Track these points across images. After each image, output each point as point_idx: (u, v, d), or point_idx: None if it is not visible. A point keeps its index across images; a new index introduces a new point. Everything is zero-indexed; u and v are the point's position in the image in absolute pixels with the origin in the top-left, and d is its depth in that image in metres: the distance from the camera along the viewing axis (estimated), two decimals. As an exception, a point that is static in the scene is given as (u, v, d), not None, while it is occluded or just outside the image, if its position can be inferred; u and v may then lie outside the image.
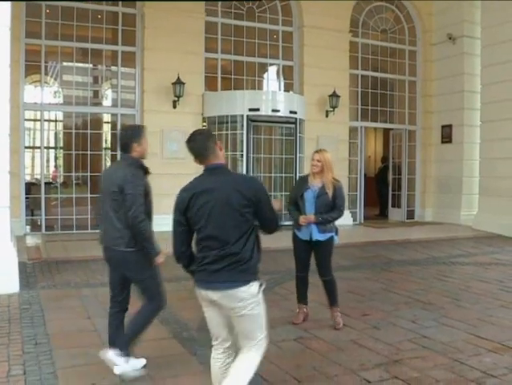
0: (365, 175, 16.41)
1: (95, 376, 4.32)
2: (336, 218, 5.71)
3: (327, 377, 4.39)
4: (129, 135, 4.60)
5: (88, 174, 12.93)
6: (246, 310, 3.32)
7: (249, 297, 3.32)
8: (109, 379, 4.26)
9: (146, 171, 4.65)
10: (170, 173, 12.69)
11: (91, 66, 13.52)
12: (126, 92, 13.59)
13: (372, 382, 4.28)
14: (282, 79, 14.92)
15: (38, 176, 13.77)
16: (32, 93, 14.93)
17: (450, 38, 15.17)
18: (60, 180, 14.83)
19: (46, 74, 13.52)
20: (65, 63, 13.30)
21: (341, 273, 8.42)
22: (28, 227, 12.40)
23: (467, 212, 14.91)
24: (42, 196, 12.34)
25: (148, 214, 4.46)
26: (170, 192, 14.24)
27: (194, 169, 10.74)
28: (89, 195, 12.87)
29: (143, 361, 4.45)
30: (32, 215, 12.94)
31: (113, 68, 13.60)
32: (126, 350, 4.24)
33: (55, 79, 14.30)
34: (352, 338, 5.34)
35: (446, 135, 15.57)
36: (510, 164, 13.03)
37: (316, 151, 5.85)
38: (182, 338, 5.33)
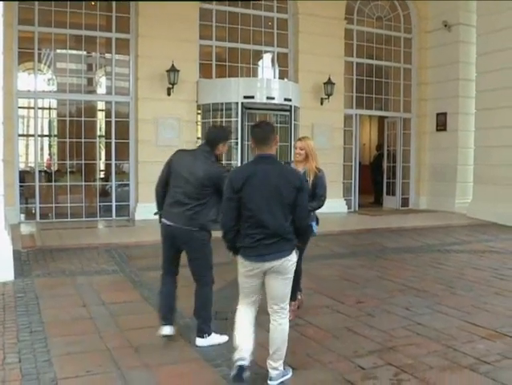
0: (360, 163, 16.42)
1: (90, 364, 4.32)
2: (316, 208, 5.44)
3: (321, 364, 4.41)
4: (218, 135, 5.00)
5: (83, 162, 12.88)
6: (288, 275, 3.99)
7: (292, 264, 3.98)
8: (104, 367, 4.27)
9: None
10: (164, 161, 12.65)
11: (84, 53, 13.41)
12: (120, 80, 13.51)
13: (366, 369, 4.30)
14: (276, 66, 14.86)
15: (32, 164, 13.71)
16: (26, 81, 14.81)
17: (446, 26, 15.13)
18: (54, 168, 14.78)
19: (40, 61, 13.41)
20: (58, 50, 13.20)
21: (336, 261, 8.47)
22: (22, 215, 12.37)
23: (461, 200, 14.95)
24: (37, 184, 12.30)
25: None
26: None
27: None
28: (83, 183, 12.85)
29: (225, 337, 4.89)
30: (26, 203, 12.90)
31: (107, 55, 13.51)
32: (209, 329, 4.90)
33: (49, 67, 14.19)
34: (347, 326, 5.35)
35: (441, 123, 15.58)
36: (505, 152, 13.06)
37: (299, 139, 5.68)
38: (177, 325, 5.33)
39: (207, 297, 4.96)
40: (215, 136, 4.96)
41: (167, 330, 4.86)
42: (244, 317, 4.13)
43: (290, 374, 4.13)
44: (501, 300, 6.43)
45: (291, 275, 4.01)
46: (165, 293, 5.03)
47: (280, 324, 4.03)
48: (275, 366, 4.02)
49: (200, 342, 4.86)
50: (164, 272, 5.10)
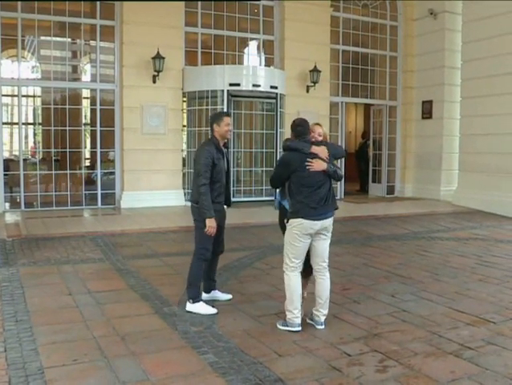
0: (346, 150, 16.43)
1: (76, 352, 4.32)
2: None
3: (307, 351, 4.43)
4: (210, 118, 5.68)
5: (67, 150, 12.78)
6: (330, 233, 5.02)
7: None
8: (90, 355, 4.27)
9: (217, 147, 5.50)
10: (149, 149, 12.66)
11: (69, 40, 13.26)
12: (105, 67, 13.40)
13: (352, 356, 4.33)
14: (262, 53, 14.82)
15: (17, 153, 13.59)
16: (9, 68, 14.66)
17: (431, 14, 15.15)
18: (39, 156, 14.66)
19: (24, 48, 13.27)
20: (42, 37, 13.07)
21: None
22: (7, 204, 12.29)
23: (447, 187, 15.05)
24: (21, 172, 12.16)
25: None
26: (147, 169, 14.15)
27: (172, 145, 11.05)
28: (68, 171, 12.76)
29: (213, 310, 5.42)
30: (11, 192, 12.81)
31: (92, 43, 13.39)
32: (193, 295, 5.48)
33: (33, 54, 14.05)
34: (332, 312, 5.38)
35: (426, 111, 15.63)
36: (490, 140, 13.15)
37: (318, 124, 5.60)
38: (163, 313, 5.34)
39: (194, 268, 5.53)
40: (210, 120, 5.63)
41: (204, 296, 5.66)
42: (296, 280, 4.94)
43: None
44: (485, 286, 6.50)
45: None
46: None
47: (328, 278, 5.05)
48: (325, 313, 5.03)
49: (187, 306, 5.43)
50: None
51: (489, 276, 7.00)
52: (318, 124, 5.66)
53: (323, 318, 4.99)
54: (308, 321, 5.06)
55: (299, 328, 4.84)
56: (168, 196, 12.84)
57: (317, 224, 4.83)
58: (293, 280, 4.92)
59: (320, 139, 5.54)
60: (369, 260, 7.92)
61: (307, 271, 5.19)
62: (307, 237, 4.87)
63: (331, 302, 5.72)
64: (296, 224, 4.85)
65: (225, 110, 12.55)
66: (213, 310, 5.39)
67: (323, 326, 4.96)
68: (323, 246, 4.97)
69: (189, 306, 5.42)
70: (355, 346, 4.55)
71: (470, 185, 13.67)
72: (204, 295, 5.71)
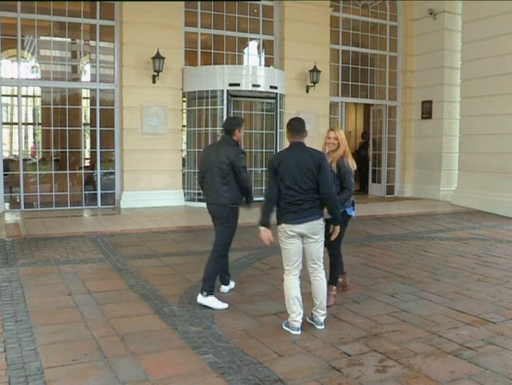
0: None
1: (76, 353, 4.32)
2: (347, 199, 5.98)
3: (307, 351, 4.43)
4: (233, 123, 6.02)
5: (67, 150, 12.79)
6: (319, 237, 4.98)
7: (321, 227, 5.00)
8: (90, 355, 4.27)
9: None
10: (149, 149, 12.66)
11: (69, 40, 13.27)
12: (105, 67, 13.41)
13: (352, 356, 4.33)
14: (262, 53, 14.83)
15: (17, 153, 13.60)
16: (9, 68, 14.68)
17: (431, 14, 15.16)
18: (39, 156, 14.67)
19: (23, 48, 13.29)
20: (42, 37, 13.08)
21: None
22: (7, 204, 12.29)
23: (446, 187, 15.05)
24: (21, 172, 12.16)
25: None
26: (147, 169, 14.14)
27: (172, 145, 11.06)
28: (68, 171, 12.76)
29: (224, 305, 5.61)
30: (11, 192, 12.82)
31: (92, 43, 13.40)
32: (208, 288, 5.64)
33: (32, 54, 14.07)
34: (332, 313, 5.38)
35: (426, 111, 15.63)
36: (489, 140, 13.16)
37: (332, 129, 5.78)
38: (163, 313, 5.34)
39: (213, 263, 5.76)
40: (228, 125, 5.93)
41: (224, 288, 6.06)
42: (293, 282, 4.98)
43: None
44: (484, 286, 6.50)
45: (322, 239, 5.03)
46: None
47: (322, 279, 5.05)
48: (323, 313, 5.07)
49: (199, 298, 5.59)
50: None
51: (488, 276, 7.00)
52: (331, 130, 5.82)
53: (322, 319, 5.04)
54: (308, 321, 5.06)
55: (298, 332, 4.84)
56: (167, 196, 12.85)
57: (299, 228, 4.90)
58: (287, 283, 4.99)
59: (335, 143, 5.63)
60: (369, 260, 7.93)
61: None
62: (295, 240, 4.94)
63: (330, 302, 5.74)
64: (279, 229, 5.02)
65: (224, 110, 12.61)
66: (225, 305, 5.54)
67: (323, 327, 4.99)
68: (313, 249, 4.98)
69: (201, 299, 5.56)
70: (354, 346, 4.56)
71: (470, 185, 13.67)
72: (224, 288, 6.11)
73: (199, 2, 13.50)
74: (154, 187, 12.75)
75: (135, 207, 12.32)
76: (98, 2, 12.61)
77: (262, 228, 5.00)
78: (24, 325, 4.94)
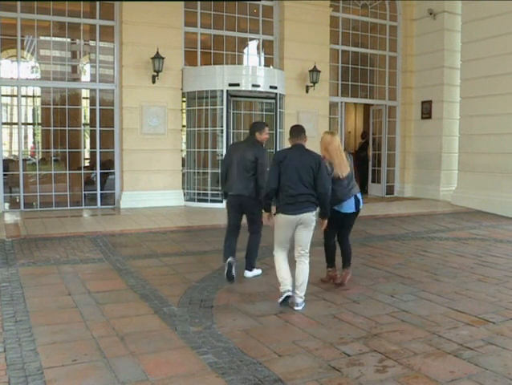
0: (345, 150, 16.42)
1: (76, 353, 4.31)
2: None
3: (307, 351, 4.43)
4: (254, 127, 7.02)
5: (67, 150, 12.78)
6: (310, 227, 5.66)
7: (313, 218, 5.66)
8: (90, 355, 4.27)
9: None
10: (149, 149, 12.66)
11: (68, 40, 13.28)
12: (105, 67, 13.40)
13: (352, 356, 4.33)
14: (262, 53, 14.82)
15: (16, 153, 13.60)
16: (9, 68, 14.68)
17: (431, 14, 15.16)
18: (39, 156, 14.66)
19: (23, 48, 13.29)
20: (42, 37, 13.07)
21: (321, 248, 8.49)
22: (7, 204, 12.29)
23: (446, 187, 15.06)
24: (21, 172, 12.15)
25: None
26: (147, 169, 14.12)
27: (172, 146, 11.09)
28: (68, 171, 12.77)
29: (260, 270, 7.01)
30: (10, 192, 12.81)
31: (91, 43, 13.39)
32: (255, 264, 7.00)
33: (32, 54, 14.06)
34: (332, 313, 5.39)
35: (426, 111, 15.64)
36: (489, 140, 13.16)
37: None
38: (163, 313, 5.34)
39: (257, 240, 6.91)
40: (252, 129, 6.97)
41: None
42: (284, 261, 5.78)
43: (304, 304, 5.64)
44: (485, 286, 6.50)
45: (312, 228, 5.71)
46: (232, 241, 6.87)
47: (306, 264, 5.71)
48: (301, 296, 5.62)
49: (248, 273, 6.84)
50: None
51: (488, 276, 7.00)
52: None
53: (298, 300, 5.58)
54: (290, 303, 5.61)
55: (282, 297, 5.59)
56: (167, 196, 12.85)
57: (295, 218, 5.62)
58: (276, 256, 5.83)
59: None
60: (368, 260, 7.93)
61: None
62: (289, 227, 5.71)
63: (329, 302, 5.78)
64: (277, 216, 5.78)
65: (224, 110, 12.63)
66: (260, 270, 7.03)
67: (300, 308, 5.54)
68: (303, 236, 5.67)
69: (249, 274, 6.84)
70: (354, 346, 4.56)
71: (469, 185, 13.67)
72: (249, 273, 6.96)
73: (199, 2, 13.50)
74: (154, 187, 12.75)
75: (134, 207, 12.32)
76: (98, 2, 12.60)
77: (266, 213, 5.98)
78: (24, 325, 4.94)
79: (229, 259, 6.50)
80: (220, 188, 7.63)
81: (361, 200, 6.60)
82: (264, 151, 6.78)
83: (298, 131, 5.92)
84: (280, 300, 5.57)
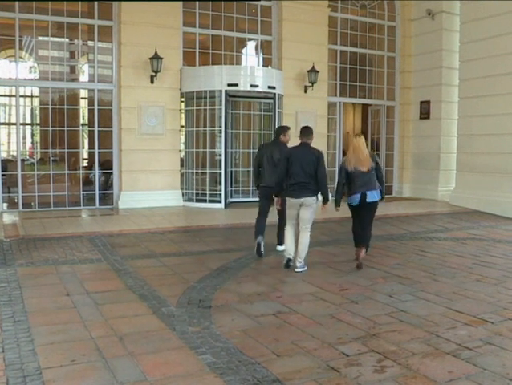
0: (343, 151, 16.44)
1: (74, 353, 4.31)
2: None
3: (305, 351, 4.43)
4: (277, 131, 8.43)
5: (65, 150, 12.78)
6: (311, 207, 7.12)
7: (313, 201, 7.12)
8: (89, 356, 4.27)
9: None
10: (147, 149, 12.66)
11: (67, 40, 13.28)
12: (103, 67, 13.41)
13: (350, 356, 4.33)
14: (260, 53, 14.83)
15: (15, 153, 13.59)
16: (7, 68, 14.67)
17: (429, 14, 15.17)
18: (37, 156, 14.66)
19: (21, 48, 13.27)
20: (40, 38, 13.06)
21: (320, 248, 8.51)
22: (5, 204, 12.28)
23: (444, 187, 15.07)
24: (19, 173, 12.16)
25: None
26: (145, 169, 14.10)
27: (170, 146, 11.15)
28: (66, 171, 12.77)
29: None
30: (9, 192, 12.81)
31: (90, 43, 13.39)
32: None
33: (30, 54, 14.05)
34: (330, 313, 5.38)
35: (424, 111, 15.65)
36: (487, 140, 13.17)
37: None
38: (161, 313, 5.34)
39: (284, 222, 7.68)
40: (277, 132, 8.33)
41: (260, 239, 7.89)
42: (290, 233, 7.31)
43: (306, 268, 7.10)
44: (482, 286, 6.50)
45: (312, 208, 7.15)
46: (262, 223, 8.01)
47: (306, 236, 7.20)
48: (300, 260, 7.09)
49: (279, 248, 8.13)
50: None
51: (486, 276, 7.01)
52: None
53: (298, 263, 7.10)
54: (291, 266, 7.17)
55: (284, 261, 7.27)
56: (166, 197, 12.85)
57: (298, 200, 7.13)
58: (287, 229, 7.36)
59: None
60: (367, 260, 7.91)
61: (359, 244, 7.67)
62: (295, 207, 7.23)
63: (328, 302, 5.77)
64: (287, 199, 7.30)
65: (222, 110, 12.65)
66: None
67: (299, 270, 7.04)
68: (305, 214, 7.15)
69: (280, 248, 8.08)
70: (353, 346, 4.55)
71: (468, 185, 13.68)
72: (280, 247, 8.07)
73: (197, 3, 13.50)
74: (152, 187, 12.75)
75: (133, 207, 12.31)
76: (96, 2, 12.60)
77: (277, 198, 7.51)
78: (22, 325, 4.94)
79: (258, 239, 7.81)
80: (252, 181, 9.34)
81: (370, 196, 7.70)
82: (284, 150, 7.73)
83: (307, 132, 7.34)
84: (283, 263, 7.22)
